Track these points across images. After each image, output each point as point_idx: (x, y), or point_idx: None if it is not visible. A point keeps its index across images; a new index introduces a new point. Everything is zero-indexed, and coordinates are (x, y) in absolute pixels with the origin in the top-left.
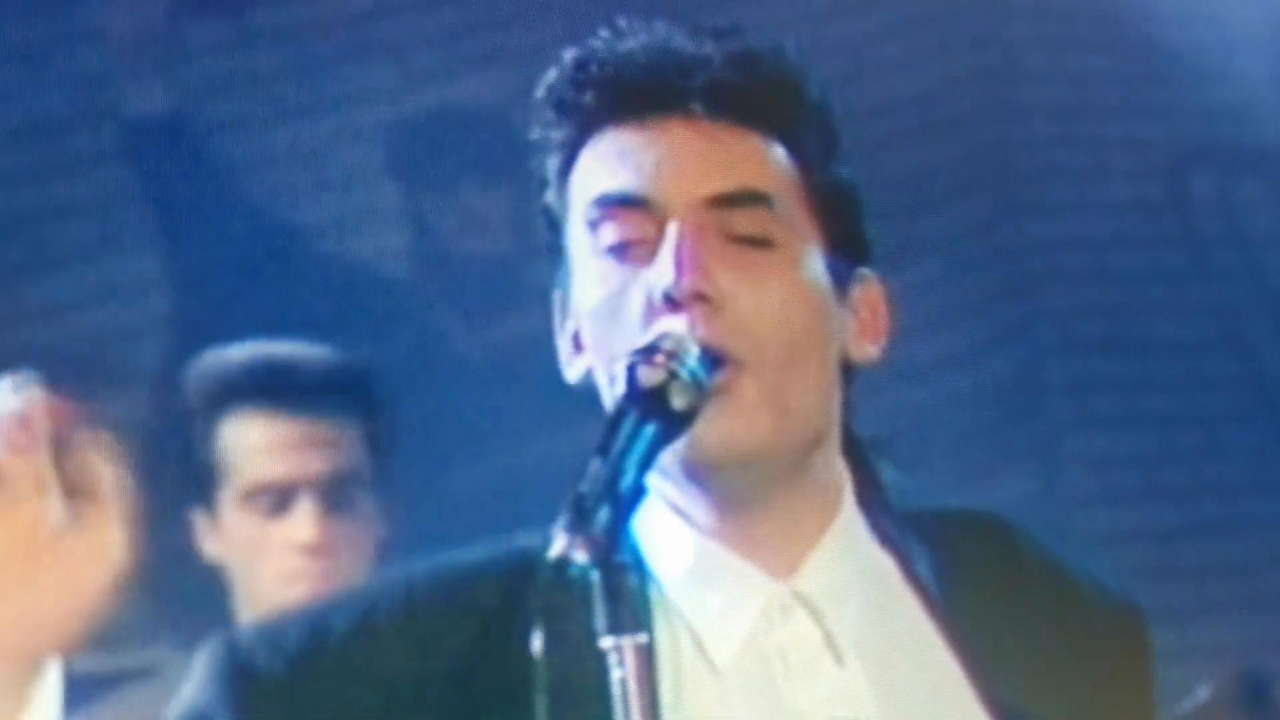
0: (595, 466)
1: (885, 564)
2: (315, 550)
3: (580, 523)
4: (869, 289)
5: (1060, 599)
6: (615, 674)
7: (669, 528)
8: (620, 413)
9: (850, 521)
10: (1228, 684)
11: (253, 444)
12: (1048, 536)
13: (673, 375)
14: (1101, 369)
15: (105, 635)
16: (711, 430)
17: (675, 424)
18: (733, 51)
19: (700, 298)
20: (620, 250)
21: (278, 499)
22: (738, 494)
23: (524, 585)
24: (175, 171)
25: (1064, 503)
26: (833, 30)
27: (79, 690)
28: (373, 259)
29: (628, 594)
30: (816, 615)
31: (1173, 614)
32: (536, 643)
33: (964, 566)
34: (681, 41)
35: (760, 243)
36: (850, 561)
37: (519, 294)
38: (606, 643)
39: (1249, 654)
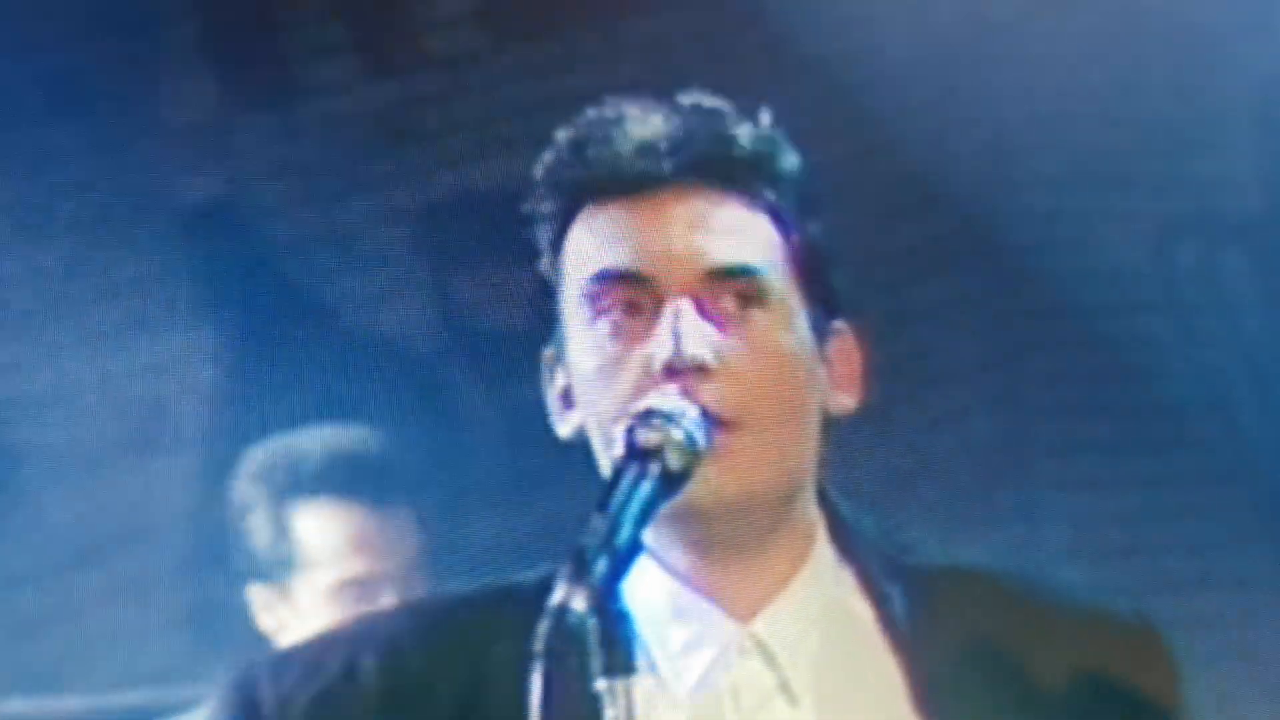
0: (595, 521)
1: (858, 608)
2: None
3: (580, 573)
4: (843, 340)
5: (1055, 637)
6: (609, 714)
7: (641, 568)
8: (619, 471)
9: (821, 566)
10: None
11: (336, 542)
12: (1039, 580)
13: (668, 437)
14: (1083, 432)
15: (151, 671)
16: (706, 484)
17: (671, 483)
18: (717, 125)
19: (698, 367)
20: (618, 322)
21: (363, 591)
22: (715, 540)
23: (510, 616)
24: (225, 252)
25: (1045, 559)
26: (832, 113)
27: None
28: (403, 331)
29: (622, 640)
30: (770, 659)
31: None
32: (536, 682)
33: (945, 614)
34: (668, 117)
35: (752, 311)
36: (816, 605)
37: (536, 365)
38: (601, 685)
39: (1215, 703)
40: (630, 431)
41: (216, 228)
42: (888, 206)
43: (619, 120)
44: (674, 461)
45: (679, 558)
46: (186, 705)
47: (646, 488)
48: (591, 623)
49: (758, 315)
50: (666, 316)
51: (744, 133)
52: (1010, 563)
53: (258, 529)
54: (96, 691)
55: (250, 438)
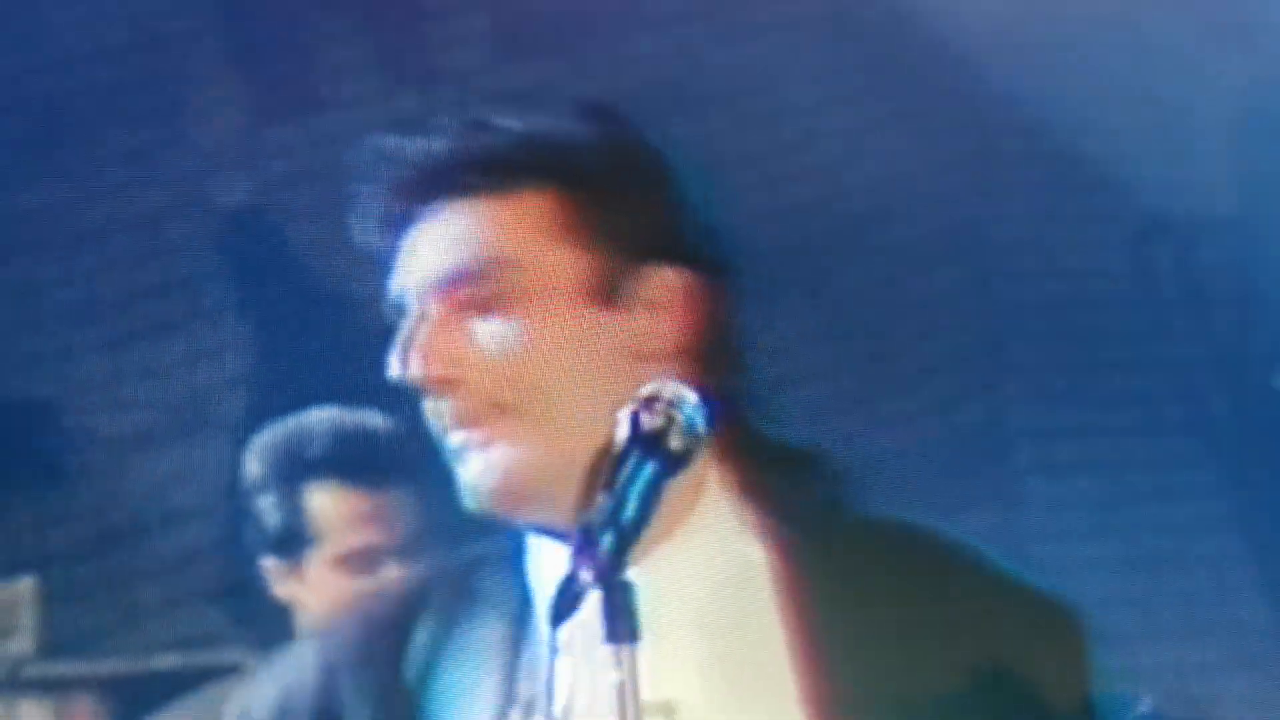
0: (601, 499)
1: (757, 556)
2: None
3: (587, 548)
4: (662, 283)
5: (971, 598)
6: (614, 675)
7: (537, 544)
8: (624, 453)
9: (710, 517)
10: (1170, 700)
11: (342, 516)
12: (982, 551)
13: (671, 421)
14: (1062, 419)
15: (190, 637)
16: (465, 484)
17: (673, 463)
18: (470, 134)
19: (435, 381)
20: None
21: (366, 562)
22: (557, 510)
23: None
24: (255, 253)
25: (1023, 537)
26: (822, 120)
27: (165, 683)
28: None
29: (626, 609)
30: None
31: (1121, 640)
32: (545, 654)
33: (850, 566)
34: (427, 139)
35: (494, 305)
36: (700, 556)
37: None
38: (607, 649)
39: (1186, 675)
40: (635, 415)
41: (246, 231)
42: (879, 207)
43: (377, 159)
44: (675, 442)
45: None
46: (221, 669)
47: (650, 468)
48: (599, 592)
49: (503, 309)
50: (400, 338)
51: (497, 133)
52: (989, 542)
53: (268, 507)
54: (139, 655)
55: None
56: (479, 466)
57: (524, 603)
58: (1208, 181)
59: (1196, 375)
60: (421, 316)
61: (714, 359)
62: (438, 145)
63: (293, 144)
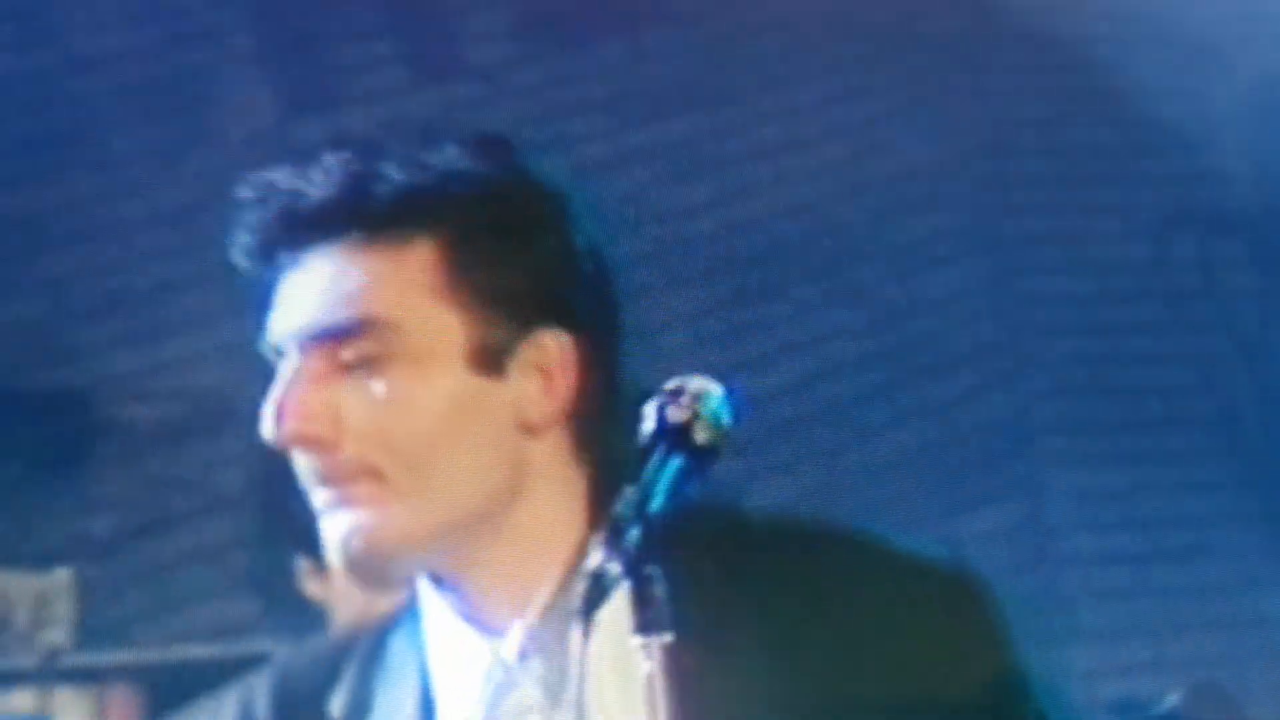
0: (629, 492)
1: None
2: None
3: (615, 540)
4: (548, 351)
5: (858, 577)
6: (644, 668)
7: (427, 590)
8: (650, 446)
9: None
10: (1198, 692)
11: None
12: (843, 531)
13: (696, 414)
14: (1085, 412)
15: (225, 627)
16: (333, 543)
17: (699, 456)
18: (359, 179)
19: (305, 440)
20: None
21: None
22: (426, 566)
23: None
24: None
25: (1048, 530)
26: (841, 114)
27: (200, 673)
28: None
29: (655, 600)
30: (524, 678)
31: (1145, 631)
32: (576, 639)
33: (756, 575)
34: (315, 180)
35: (373, 366)
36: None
37: None
38: (637, 641)
39: (1212, 668)
40: (662, 408)
41: None
42: (893, 203)
43: (267, 196)
44: (701, 436)
45: (446, 589)
46: (256, 659)
47: (676, 461)
48: (628, 584)
49: (379, 370)
50: (273, 391)
51: (385, 179)
52: (1014, 535)
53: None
54: (174, 645)
55: None
56: (344, 528)
57: (425, 668)
58: (1229, 174)
59: (1219, 368)
60: (297, 371)
61: (599, 423)
62: (321, 187)
63: (319, 139)
